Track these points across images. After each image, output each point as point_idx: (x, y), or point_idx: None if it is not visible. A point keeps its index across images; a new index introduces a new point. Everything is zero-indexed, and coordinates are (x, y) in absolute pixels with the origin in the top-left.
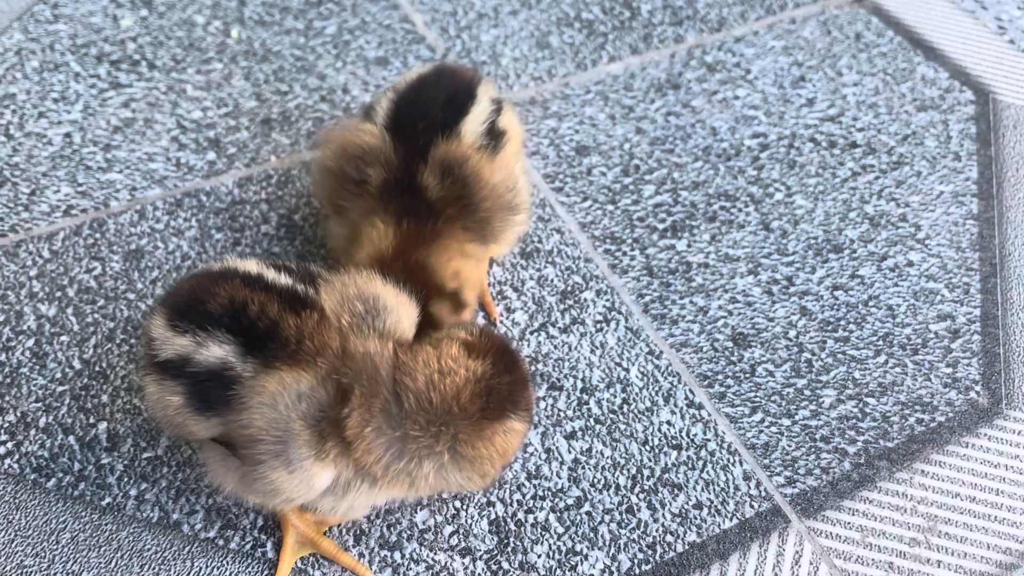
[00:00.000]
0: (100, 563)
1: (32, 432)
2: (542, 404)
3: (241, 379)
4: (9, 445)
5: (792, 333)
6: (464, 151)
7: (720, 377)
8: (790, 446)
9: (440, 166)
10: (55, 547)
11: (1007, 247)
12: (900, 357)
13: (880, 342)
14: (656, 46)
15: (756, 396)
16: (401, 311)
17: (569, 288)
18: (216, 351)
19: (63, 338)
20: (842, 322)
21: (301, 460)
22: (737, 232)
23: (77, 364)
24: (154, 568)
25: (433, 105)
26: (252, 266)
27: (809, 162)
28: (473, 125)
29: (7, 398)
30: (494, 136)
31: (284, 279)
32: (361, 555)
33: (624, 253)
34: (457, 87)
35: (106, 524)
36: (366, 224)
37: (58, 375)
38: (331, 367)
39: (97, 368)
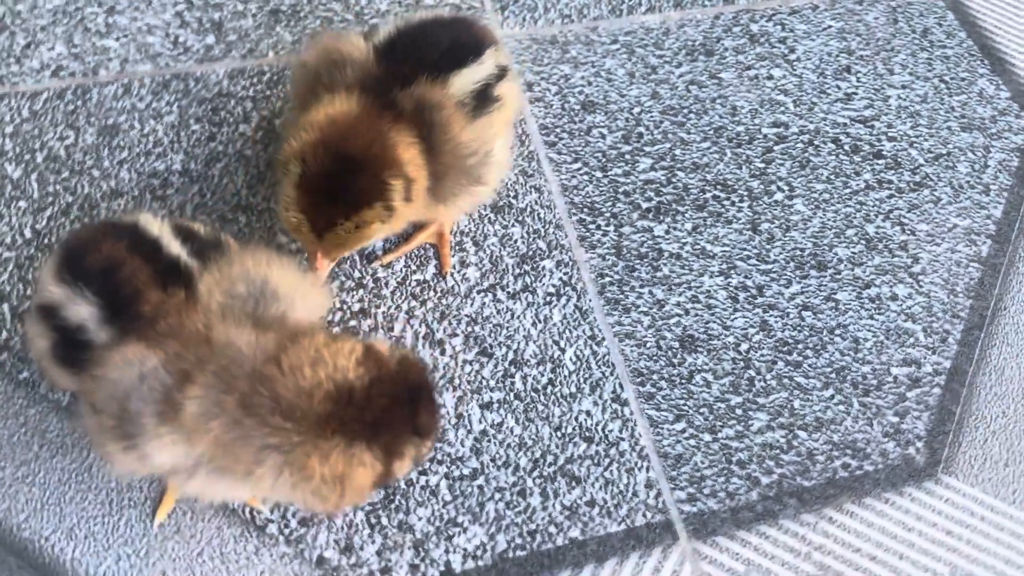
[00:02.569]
0: (3, 434)
1: None
2: (467, 368)
3: (94, 344)
4: None
5: (744, 346)
6: (441, 98)
7: (655, 377)
8: (703, 463)
9: (415, 102)
10: None
11: (1004, 300)
12: (848, 395)
13: (833, 375)
14: (703, 3)
15: (685, 404)
16: (299, 300)
17: (530, 253)
18: (81, 310)
19: (21, 203)
20: (800, 346)
21: (135, 438)
22: (722, 227)
23: (28, 233)
24: (52, 451)
25: (433, 47)
26: (154, 227)
27: (824, 164)
28: (464, 80)
29: None
30: (484, 100)
31: (176, 248)
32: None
33: (598, 227)
34: (466, 40)
35: (18, 398)
36: (329, 96)
37: (7, 240)
38: (179, 350)
39: (46, 241)
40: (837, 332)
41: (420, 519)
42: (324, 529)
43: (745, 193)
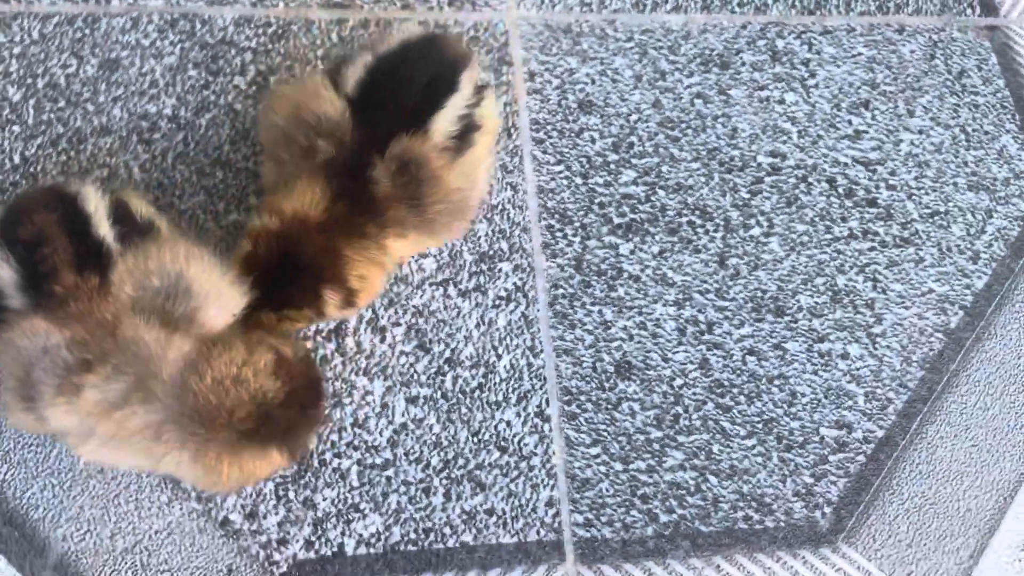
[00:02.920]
0: None
1: None
2: (402, 360)
3: (8, 309)
4: None
5: (678, 382)
6: (425, 152)
7: (583, 398)
8: (608, 490)
9: (397, 163)
10: None
11: (959, 378)
12: (770, 448)
13: (760, 425)
14: (733, 8)
15: (606, 430)
16: (212, 299)
17: (491, 252)
18: (2, 274)
19: (15, 128)
20: (735, 390)
21: (34, 402)
22: (689, 255)
23: (16, 159)
24: None
25: (408, 88)
26: (91, 203)
27: (811, 204)
28: (445, 120)
29: None
30: (467, 131)
31: (104, 230)
32: None
33: (565, 236)
34: (440, 69)
35: None
36: (303, 182)
37: None
38: (84, 337)
39: (32, 169)
40: (776, 382)
41: (325, 499)
42: (234, 493)
43: (722, 223)
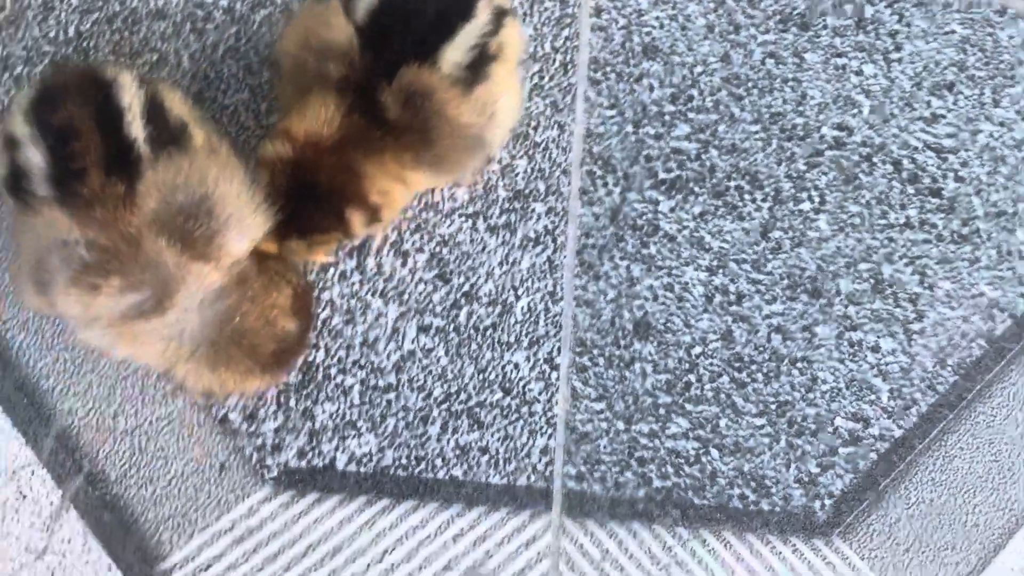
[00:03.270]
0: None
1: (4, 76)
2: (420, 287)
3: (35, 195)
4: None
5: (696, 350)
6: (432, 83)
7: (595, 351)
8: (606, 448)
9: (404, 93)
10: None
11: (992, 389)
12: (779, 431)
13: (774, 406)
14: None
15: (614, 387)
16: (235, 224)
17: (527, 191)
18: (33, 158)
19: (73, 1)
20: (753, 367)
21: (47, 287)
22: (731, 222)
23: (71, 32)
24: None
25: (419, 16)
26: (127, 96)
27: (870, 187)
28: (456, 51)
29: (3, 34)
30: (481, 63)
31: (137, 130)
32: None
33: (605, 184)
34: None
35: None
36: (315, 100)
37: (51, 34)
38: (106, 244)
39: (85, 44)
40: (798, 365)
41: (324, 412)
42: (237, 393)
43: (772, 192)
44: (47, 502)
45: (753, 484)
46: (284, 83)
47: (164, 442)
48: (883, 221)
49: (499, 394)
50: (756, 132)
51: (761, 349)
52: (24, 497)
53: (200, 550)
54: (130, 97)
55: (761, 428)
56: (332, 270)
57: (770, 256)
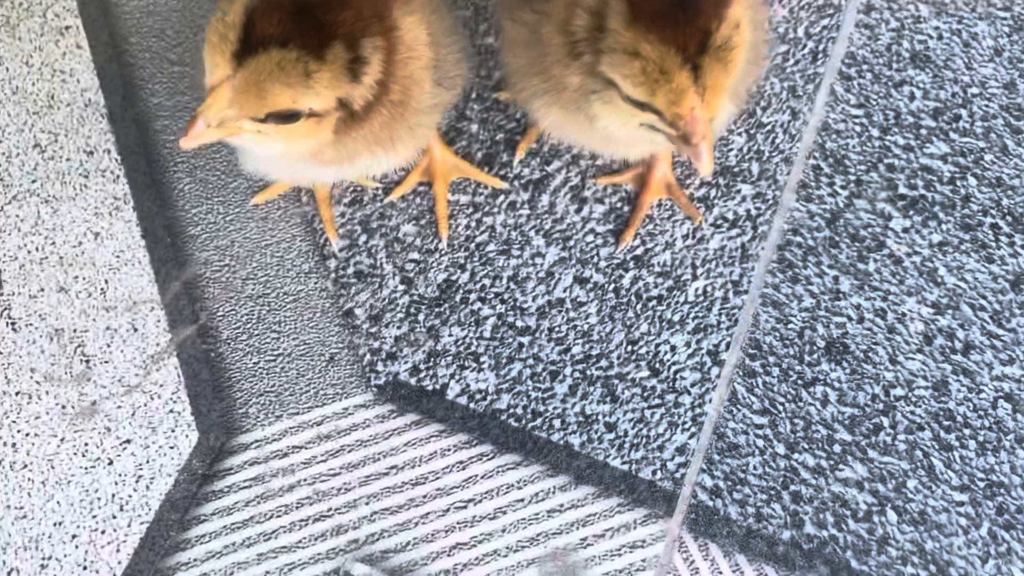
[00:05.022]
0: None
1: None
2: (588, 238)
3: None
4: None
5: (898, 392)
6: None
7: (772, 360)
8: (756, 468)
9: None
10: None
11: None
12: (983, 514)
13: (982, 483)
14: None
15: (783, 404)
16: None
17: (736, 169)
18: None
19: None
20: (967, 431)
21: None
22: (977, 260)
23: None
24: None
25: None
26: None
27: None
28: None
29: None
30: None
31: None
32: (349, 232)
33: (831, 183)
34: None
35: None
36: None
37: None
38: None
39: None
40: (1018, 444)
41: (450, 336)
42: (368, 291)
43: None
44: (154, 342)
45: (933, 568)
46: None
47: (283, 318)
48: None
49: (645, 372)
50: None
51: (982, 414)
52: (135, 331)
53: (282, 435)
54: None
55: (960, 505)
56: (502, 197)
57: (1017, 311)
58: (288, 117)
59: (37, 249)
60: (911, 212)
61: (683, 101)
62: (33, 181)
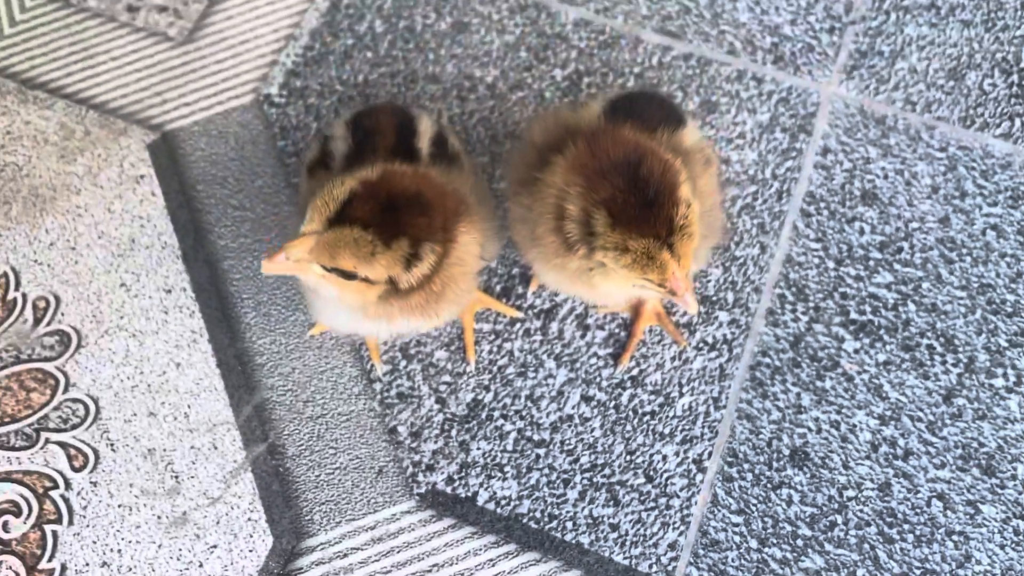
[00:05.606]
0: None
1: (299, 102)
2: (592, 360)
3: (329, 170)
4: None
5: (849, 493)
6: (689, 148)
7: (746, 466)
8: (734, 561)
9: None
10: None
11: None
12: None
13: (918, 571)
14: None
15: (755, 505)
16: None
17: (714, 298)
18: (340, 145)
19: (368, 54)
20: (906, 527)
21: None
22: (915, 378)
23: (360, 79)
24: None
25: (658, 106)
26: (423, 125)
27: None
28: (693, 135)
29: (306, 69)
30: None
31: (424, 145)
32: (391, 358)
33: (794, 311)
34: (667, 109)
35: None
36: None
37: (344, 77)
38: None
39: (368, 92)
40: (954, 538)
41: (479, 449)
42: (409, 410)
43: (965, 361)
44: (232, 459)
45: None
46: (516, 176)
47: (339, 435)
48: None
49: (641, 479)
50: (961, 298)
51: (918, 511)
52: (215, 448)
53: (342, 538)
54: (425, 126)
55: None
56: (519, 325)
57: (948, 421)
58: (347, 275)
59: (128, 378)
60: (861, 335)
61: (668, 272)
62: (121, 317)
